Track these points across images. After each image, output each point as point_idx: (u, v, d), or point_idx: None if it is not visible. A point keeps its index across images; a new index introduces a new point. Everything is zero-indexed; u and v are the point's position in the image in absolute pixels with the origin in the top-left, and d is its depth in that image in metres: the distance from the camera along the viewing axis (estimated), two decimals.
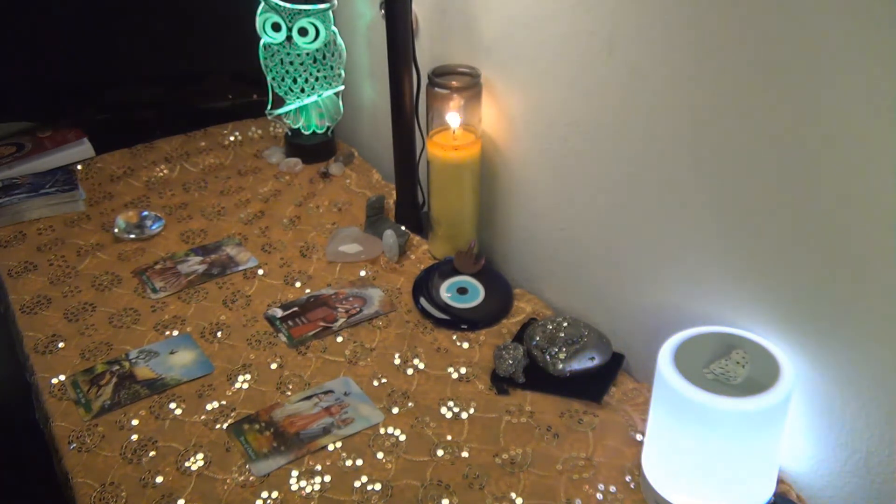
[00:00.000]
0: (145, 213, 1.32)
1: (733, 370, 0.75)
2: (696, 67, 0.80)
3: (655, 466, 0.81)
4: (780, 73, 0.72)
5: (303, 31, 1.36)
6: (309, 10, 1.35)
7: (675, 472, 0.79)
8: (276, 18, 1.36)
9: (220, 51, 1.61)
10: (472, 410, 0.96)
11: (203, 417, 0.95)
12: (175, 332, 1.08)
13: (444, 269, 1.18)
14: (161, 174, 1.45)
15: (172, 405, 0.96)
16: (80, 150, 1.47)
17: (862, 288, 0.72)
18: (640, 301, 0.98)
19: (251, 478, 0.87)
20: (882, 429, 0.74)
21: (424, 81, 1.18)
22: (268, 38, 1.38)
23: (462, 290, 1.14)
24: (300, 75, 1.42)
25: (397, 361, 1.03)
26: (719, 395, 0.72)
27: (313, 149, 1.50)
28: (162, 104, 1.65)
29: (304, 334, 1.07)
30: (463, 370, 1.02)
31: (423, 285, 1.15)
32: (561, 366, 0.98)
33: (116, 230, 1.28)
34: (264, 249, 1.26)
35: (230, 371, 1.02)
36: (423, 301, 1.12)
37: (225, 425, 0.94)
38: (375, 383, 1.00)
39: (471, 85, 1.10)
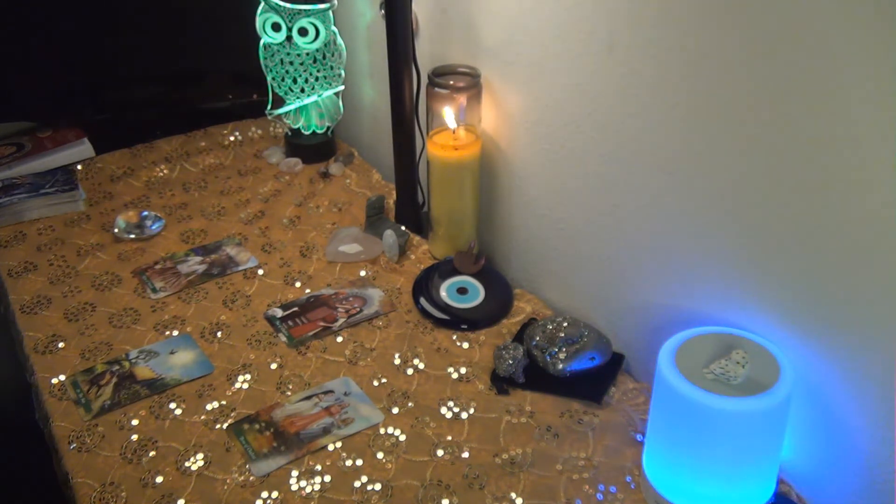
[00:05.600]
0: (145, 213, 1.32)
1: (733, 370, 0.75)
2: (696, 67, 0.80)
3: (655, 466, 0.82)
4: (780, 71, 0.72)
5: (303, 31, 1.36)
6: (309, 10, 1.35)
7: (675, 472, 0.79)
8: (276, 18, 1.36)
9: (220, 51, 1.61)
10: (472, 410, 0.96)
11: (203, 417, 0.95)
12: (175, 332, 1.08)
13: (444, 269, 1.18)
14: (161, 174, 1.45)
15: (172, 405, 0.96)
16: (80, 150, 1.47)
17: (862, 288, 0.72)
18: (640, 301, 0.98)
19: (251, 478, 0.87)
20: (882, 429, 0.74)
21: (424, 81, 1.18)
22: (268, 38, 1.38)
23: (462, 290, 1.14)
24: (300, 75, 1.42)
25: (397, 361, 1.03)
26: (719, 395, 0.72)
27: (313, 149, 1.50)
28: (162, 104, 1.65)
29: (304, 334, 1.07)
30: (463, 370, 1.02)
31: (423, 285, 1.15)
32: (561, 366, 0.98)
33: (116, 230, 1.28)
34: (264, 249, 1.26)
35: (230, 371, 1.02)
36: (423, 301, 1.12)
37: (225, 425, 0.94)
38: (375, 383, 1.00)
39: (471, 85, 1.11)
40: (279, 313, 1.11)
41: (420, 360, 1.03)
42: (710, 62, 0.78)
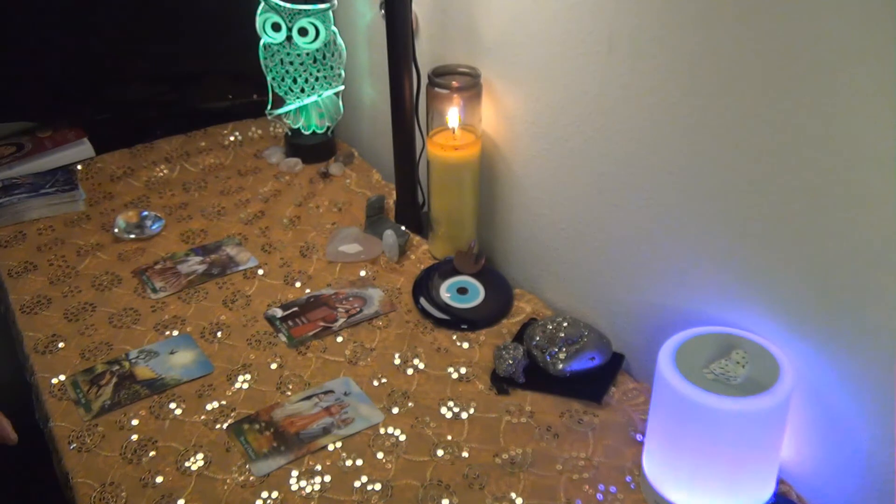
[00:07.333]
0: (145, 213, 1.32)
1: (733, 370, 0.75)
2: (696, 67, 0.80)
3: (655, 466, 0.82)
4: (780, 72, 0.72)
5: (303, 31, 1.36)
6: (309, 10, 1.35)
7: (675, 472, 0.79)
8: (276, 18, 1.36)
9: (219, 51, 1.61)
10: (472, 410, 0.96)
11: (203, 417, 0.95)
12: (175, 332, 1.08)
13: (444, 269, 1.18)
14: (161, 174, 1.45)
15: (172, 405, 0.96)
16: (80, 150, 1.47)
17: (862, 288, 0.72)
18: (640, 301, 0.98)
19: (251, 478, 0.87)
20: (882, 429, 0.74)
21: (424, 81, 1.18)
22: (268, 38, 1.38)
23: (462, 290, 1.14)
24: (300, 75, 1.42)
25: (397, 361, 1.03)
26: (719, 395, 0.72)
27: (313, 149, 1.50)
28: (162, 104, 1.65)
29: (304, 334, 1.07)
30: (463, 370, 1.02)
31: (423, 285, 1.15)
32: (561, 366, 0.98)
33: (116, 230, 1.28)
34: (264, 249, 1.26)
35: (230, 371, 1.02)
36: (423, 301, 1.12)
37: (225, 425, 0.94)
38: (375, 383, 1.00)
39: (471, 85, 1.11)
40: (279, 313, 1.11)
41: (420, 360, 1.03)
42: (710, 62, 0.78)
